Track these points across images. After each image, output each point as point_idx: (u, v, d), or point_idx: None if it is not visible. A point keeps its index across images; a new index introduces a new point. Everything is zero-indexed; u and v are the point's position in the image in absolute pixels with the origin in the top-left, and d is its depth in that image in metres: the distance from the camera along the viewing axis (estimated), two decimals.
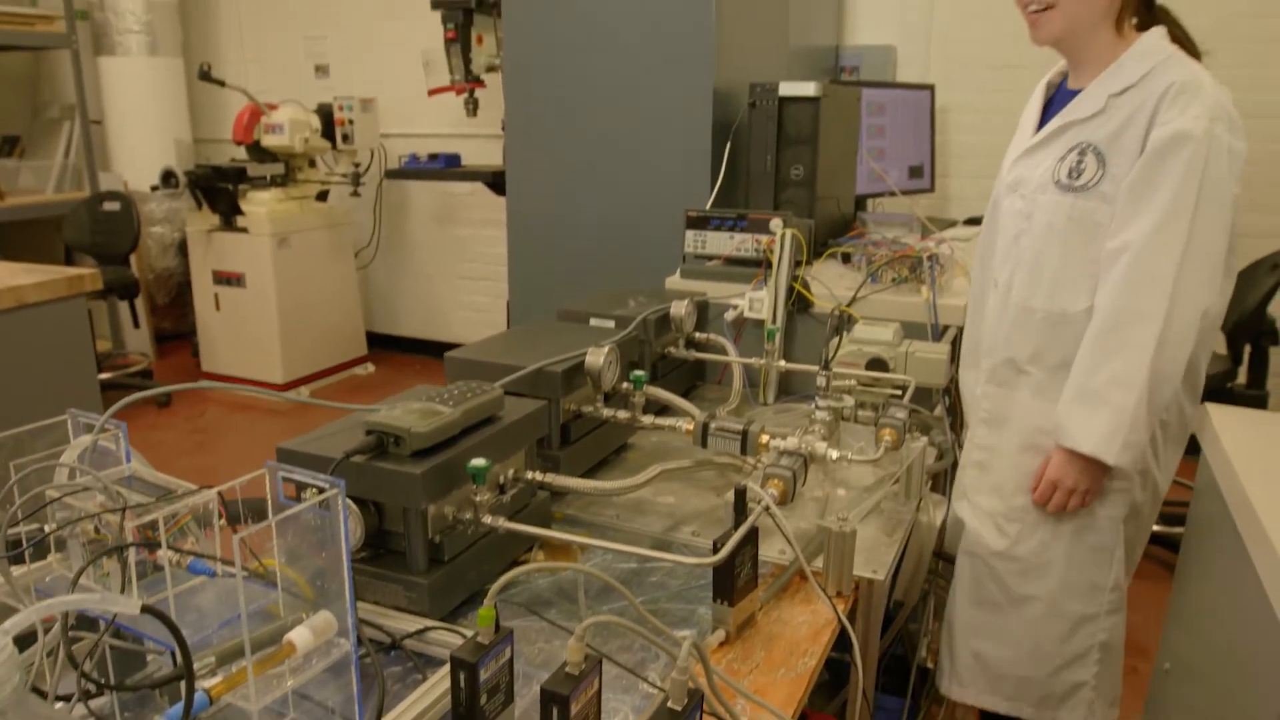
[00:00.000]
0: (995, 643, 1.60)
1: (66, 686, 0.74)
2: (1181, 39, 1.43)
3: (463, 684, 0.77)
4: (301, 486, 0.80)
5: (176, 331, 5.31)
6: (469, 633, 0.80)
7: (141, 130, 4.99)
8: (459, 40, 3.84)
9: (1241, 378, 2.79)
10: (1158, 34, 1.41)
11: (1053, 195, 1.44)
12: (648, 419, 1.40)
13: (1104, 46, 1.42)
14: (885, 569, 1.16)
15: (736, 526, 0.98)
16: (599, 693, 0.78)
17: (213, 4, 5.43)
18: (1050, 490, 1.47)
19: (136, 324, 4.62)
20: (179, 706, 0.66)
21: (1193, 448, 1.45)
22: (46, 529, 0.86)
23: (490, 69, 3.91)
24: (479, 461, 0.99)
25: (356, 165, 4.73)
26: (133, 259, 4.49)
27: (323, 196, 4.88)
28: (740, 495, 1.01)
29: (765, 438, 1.27)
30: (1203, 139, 1.30)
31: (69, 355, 2.34)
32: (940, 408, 1.69)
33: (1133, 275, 1.35)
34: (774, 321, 1.85)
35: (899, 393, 1.58)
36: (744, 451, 1.28)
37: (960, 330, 1.79)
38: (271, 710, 0.76)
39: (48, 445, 0.90)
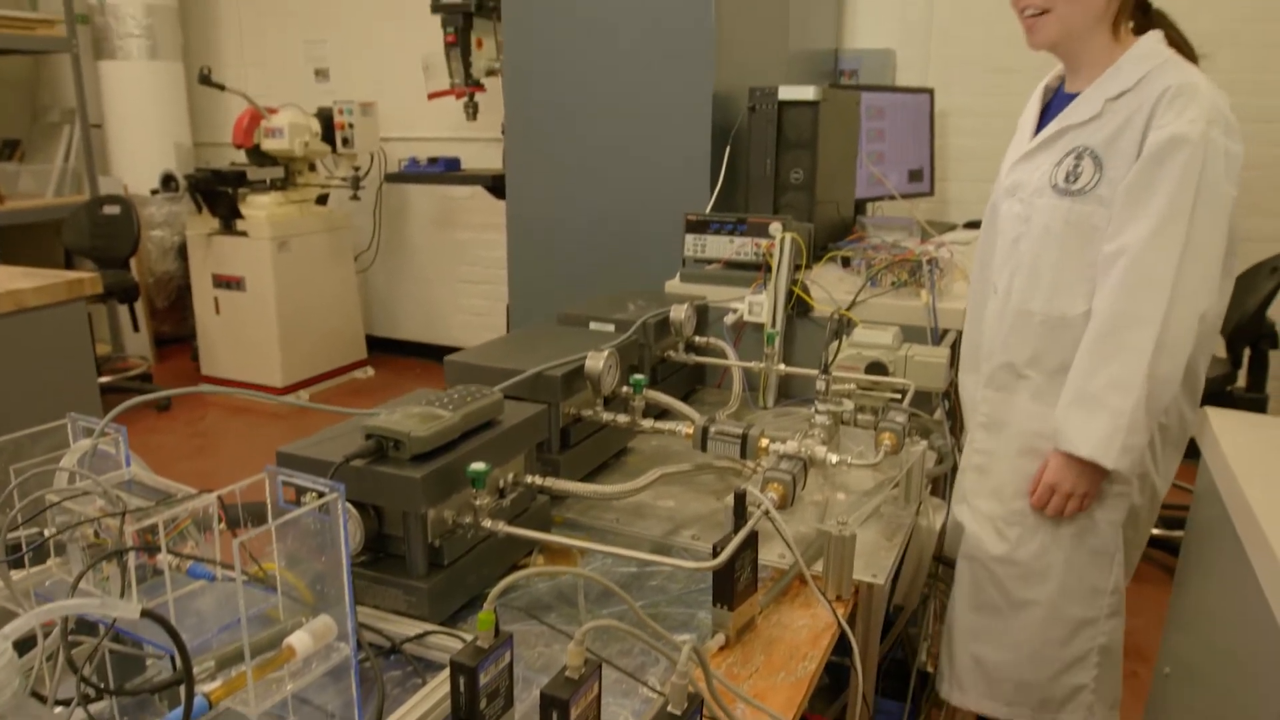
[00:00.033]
0: (995, 647, 1.59)
1: (66, 691, 0.74)
2: (1179, 43, 1.43)
3: (462, 688, 0.77)
4: (301, 490, 0.80)
5: (176, 335, 5.31)
6: (469, 637, 0.80)
7: (141, 134, 4.99)
8: (459, 44, 3.85)
9: (1241, 381, 2.80)
10: (1154, 38, 1.41)
11: (1050, 199, 1.44)
12: (647, 423, 1.40)
13: (1100, 50, 1.42)
14: (885, 573, 1.16)
15: (736, 530, 0.98)
16: (599, 697, 0.78)
17: (213, 8, 5.44)
18: (1048, 494, 1.47)
19: (136, 327, 4.62)
20: (178, 711, 0.66)
21: (1192, 451, 1.45)
22: (46, 533, 0.86)
23: (490, 73, 3.91)
24: (479, 466, 0.99)
25: (356, 169, 4.73)
26: (132, 263, 4.49)
27: (322, 200, 4.88)
28: (740, 499, 1.01)
29: (765, 441, 1.27)
30: (1199, 142, 1.30)
31: (69, 359, 2.34)
32: (940, 411, 1.70)
33: (1130, 279, 1.35)
34: (773, 325, 1.85)
35: (898, 396, 1.57)
36: (744, 455, 1.28)
37: (960, 334, 1.79)
38: (271, 714, 0.75)
39: (47, 449, 0.90)
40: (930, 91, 3.30)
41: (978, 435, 1.61)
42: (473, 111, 4.07)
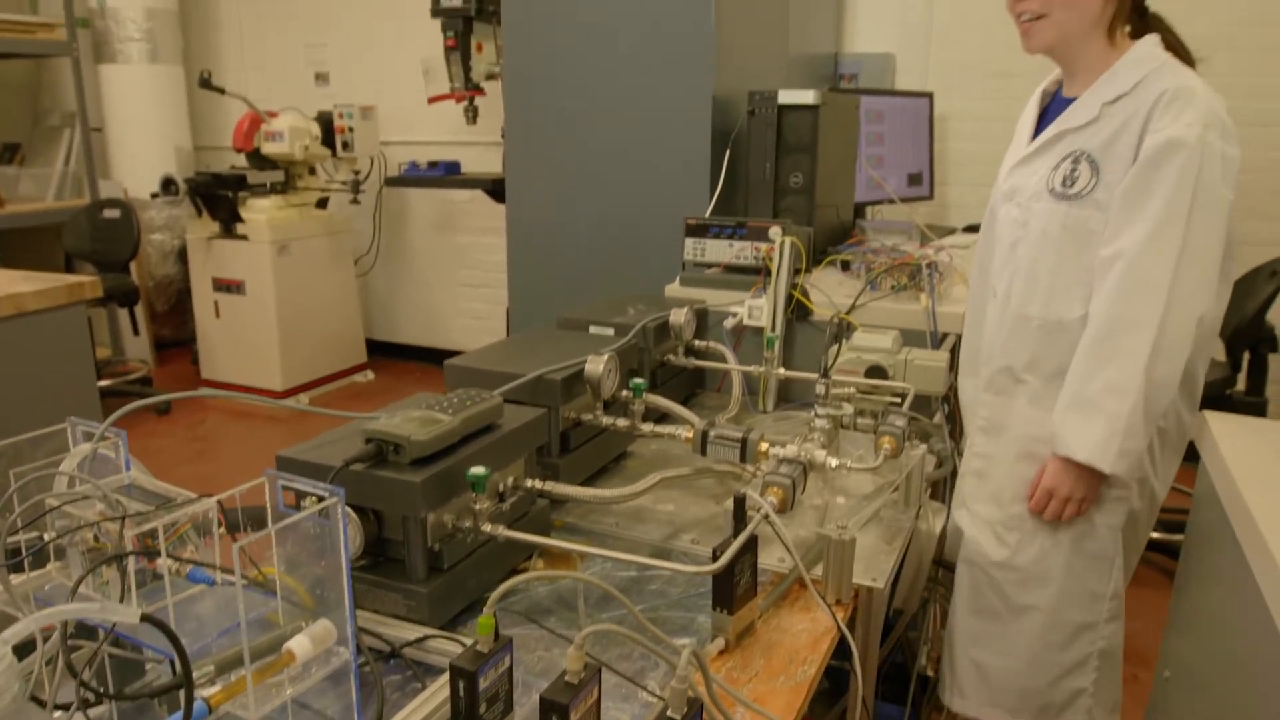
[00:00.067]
0: (995, 652, 1.59)
1: (65, 695, 0.74)
2: (1175, 46, 1.43)
3: (462, 692, 0.77)
4: (301, 495, 0.80)
5: (176, 339, 5.31)
6: (468, 641, 0.80)
7: (142, 137, 5.00)
8: (459, 48, 3.85)
9: (1240, 385, 2.80)
10: (1151, 42, 1.42)
11: (1047, 203, 1.45)
12: (647, 427, 1.40)
13: (1097, 55, 1.43)
14: (885, 577, 1.16)
15: (736, 534, 0.98)
16: (598, 701, 0.78)
17: (213, 12, 5.45)
18: (1046, 498, 1.47)
19: (136, 331, 4.62)
20: (178, 715, 0.66)
21: (1192, 455, 1.45)
22: (46, 537, 0.85)
23: (490, 77, 3.92)
24: (478, 470, 0.99)
25: (356, 173, 4.74)
26: (132, 266, 4.50)
27: (323, 204, 4.89)
28: (739, 503, 1.01)
29: (764, 445, 1.27)
30: (1196, 146, 1.31)
31: (68, 363, 2.34)
32: (939, 415, 1.70)
33: (1127, 283, 1.35)
34: (773, 329, 1.86)
35: (898, 400, 1.57)
36: (743, 459, 1.28)
37: (959, 338, 1.79)
38: (271, 719, 0.75)
39: (47, 453, 0.90)
40: (930, 95, 3.31)
41: (977, 439, 1.61)
42: (473, 115, 4.08)
